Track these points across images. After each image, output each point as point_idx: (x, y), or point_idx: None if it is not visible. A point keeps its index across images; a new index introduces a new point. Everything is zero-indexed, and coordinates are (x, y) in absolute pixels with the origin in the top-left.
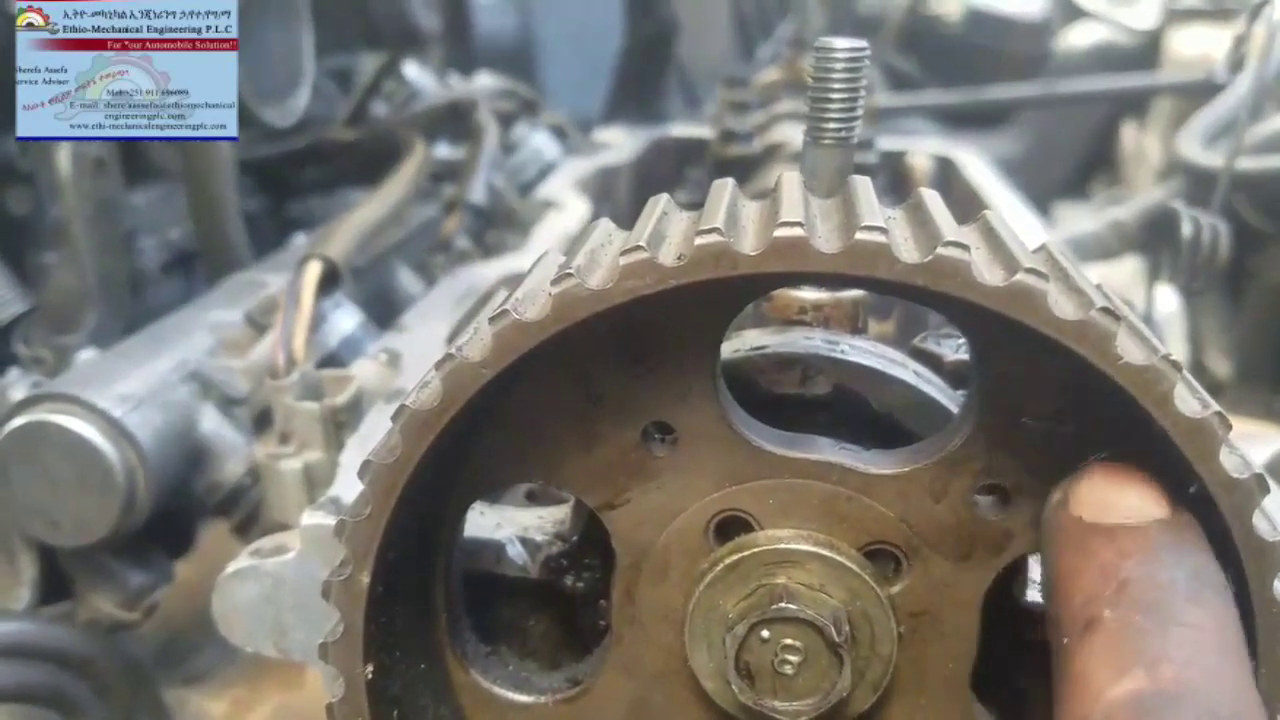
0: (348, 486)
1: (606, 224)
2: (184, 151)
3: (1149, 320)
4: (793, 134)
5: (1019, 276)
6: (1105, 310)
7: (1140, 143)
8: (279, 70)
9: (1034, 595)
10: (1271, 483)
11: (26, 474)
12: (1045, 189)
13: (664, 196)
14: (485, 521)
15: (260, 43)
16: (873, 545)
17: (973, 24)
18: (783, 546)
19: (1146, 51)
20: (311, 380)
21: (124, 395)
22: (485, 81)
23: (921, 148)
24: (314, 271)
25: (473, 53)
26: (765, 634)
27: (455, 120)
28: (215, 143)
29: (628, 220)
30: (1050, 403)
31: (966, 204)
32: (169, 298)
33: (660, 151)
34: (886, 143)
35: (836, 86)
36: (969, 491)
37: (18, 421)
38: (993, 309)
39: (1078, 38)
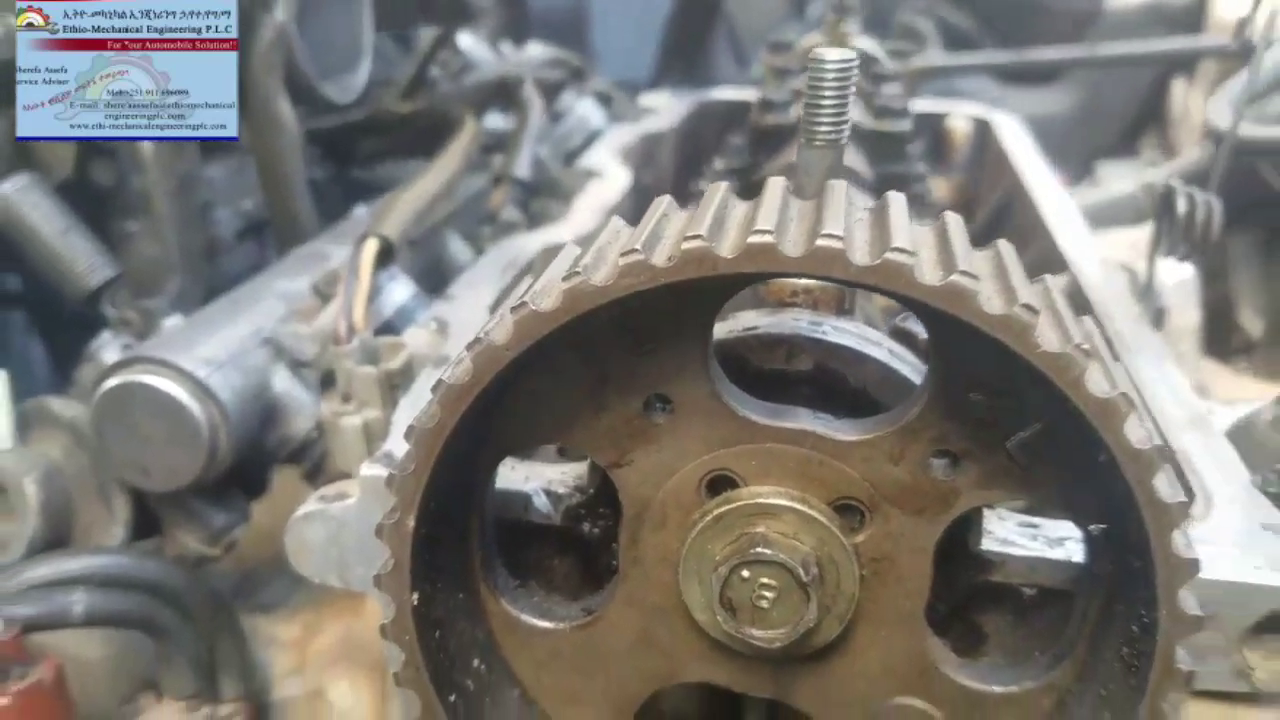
0: (399, 442)
1: (616, 222)
2: (253, 130)
3: (1150, 288)
4: None
5: (954, 277)
6: (1026, 306)
7: (1186, 103)
8: (340, 49)
9: (986, 545)
10: (1228, 448)
11: (120, 428)
12: (1096, 145)
13: (666, 198)
14: (516, 475)
15: (322, 22)
16: (840, 501)
17: None
18: (762, 501)
19: (1196, 10)
20: (370, 346)
21: (207, 359)
22: (535, 51)
23: (962, 110)
24: (371, 249)
25: (528, 18)
26: (745, 574)
27: (503, 95)
28: (283, 122)
29: (670, 185)
30: (991, 381)
31: (998, 167)
32: (243, 262)
33: (704, 116)
34: (928, 105)
35: (827, 94)
36: (924, 456)
37: (113, 382)
38: (933, 305)
39: None
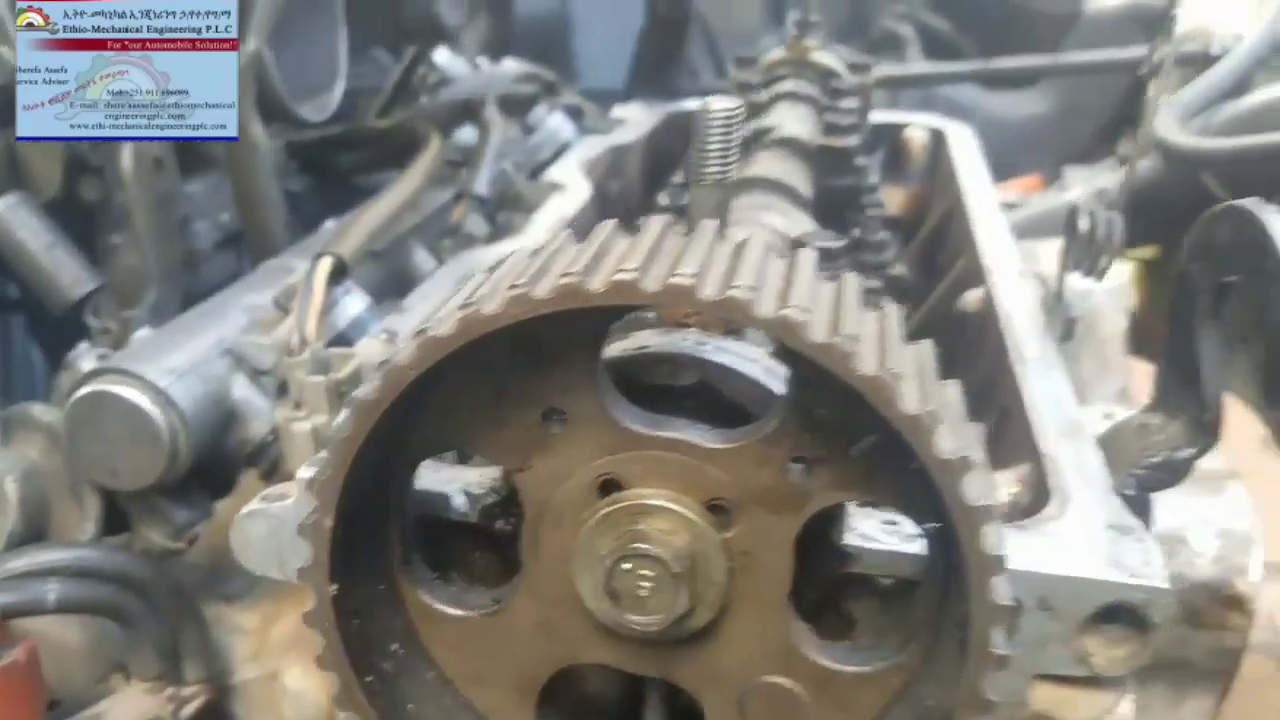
0: None
1: (521, 253)
2: (227, 149)
3: (1060, 300)
4: (780, 119)
5: (785, 310)
6: (847, 335)
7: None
8: (315, 69)
9: (848, 539)
10: (1095, 453)
11: (90, 433)
12: (1074, 147)
13: (566, 232)
14: (440, 477)
15: (299, 45)
16: (711, 501)
17: None
18: (644, 502)
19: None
20: (321, 357)
21: (169, 369)
22: (510, 66)
23: (919, 121)
24: (325, 267)
25: (513, 30)
26: (627, 566)
27: (467, 114)
28: (254, 142)
29: (636, 193)
30: (835, 398)
31: (948, 177)
32: (222, 272)
33: (674, 128)
34: (886, 116)
35: (713, 139)
36: (782, 462)
37: (84, 390)
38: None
39: None
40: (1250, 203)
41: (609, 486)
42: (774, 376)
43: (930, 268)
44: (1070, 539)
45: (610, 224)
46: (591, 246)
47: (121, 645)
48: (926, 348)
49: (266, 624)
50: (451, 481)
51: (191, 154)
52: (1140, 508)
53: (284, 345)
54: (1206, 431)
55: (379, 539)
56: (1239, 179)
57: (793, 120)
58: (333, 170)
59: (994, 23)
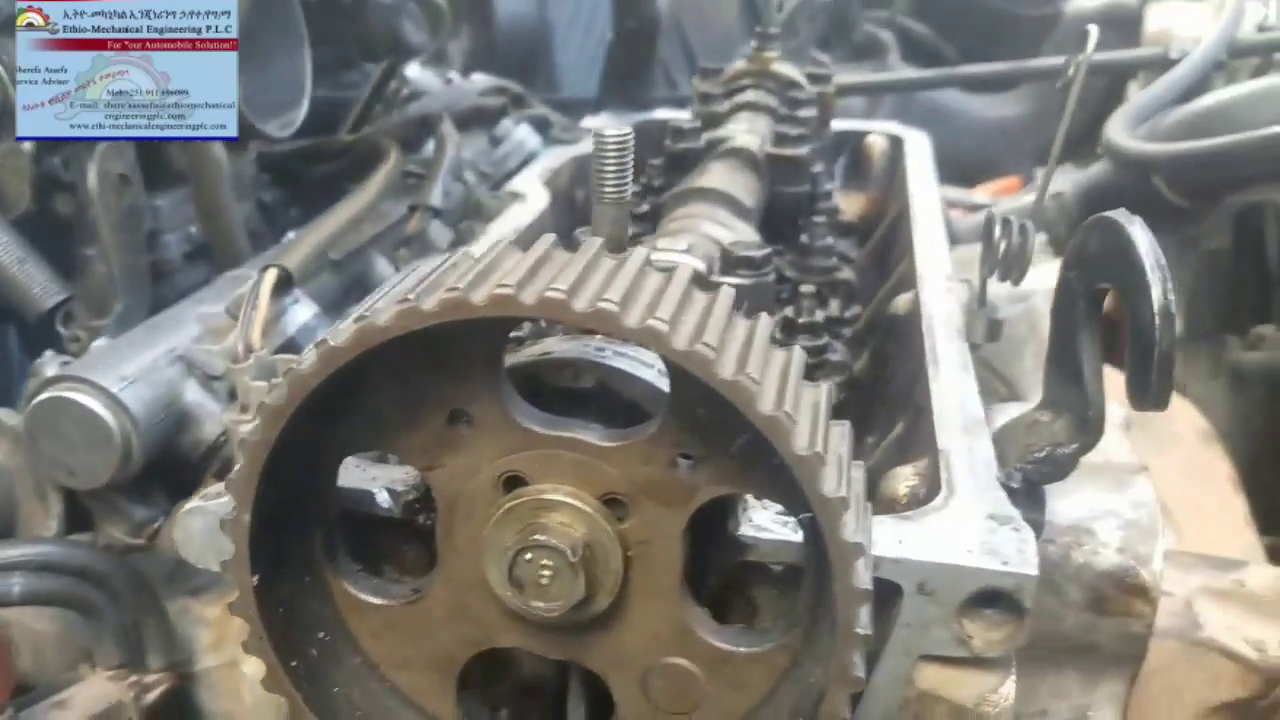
0: None
1: (422, 270)
2: (191, 165)
3: (983, 303)
4: (734, 129)
5: (649, 322)
6: (707, 344)
7: None
8: (280, 89)
9: (744, 530)
10: (988, 448)
11: (49, 435)
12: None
13: (464, 249)
14: (366, 474)
15: (264, 67)
16: (607, 495)
17: None
18: (544, 497)
19: None
20: (265, 363)
21: (122, 376)
22: (479, 79)
23: (879, 128)
24: (270, 278)
25: (495, 40)
26: (529, 556)
27: (425, 129)
28: (215, 159)
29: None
30: (711, 400)
31: (903, 183)
32: (193, 281)
33: (641, 137)
34: (850, 124)
35: (609, 162)
36: (669, 458)
37: (43, 396)
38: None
39: None
40: (1118, 214)
41: (513, 483)
42: (666, 379)
43: (883, 271)
44: (950, 528)
45: (503, 240)
46: (482, 261)
47: (87, 635)
48: (796, 354)
49: (227, 615)
50: (377, 479)
51: (159, 169)
52: (1033, 499)
53: (233, 352)
54: (1088, 429)
55: (305, 534)
56: (1185, 182)
57: (744, 131)
58: (305, 182)
59: (976, 27)
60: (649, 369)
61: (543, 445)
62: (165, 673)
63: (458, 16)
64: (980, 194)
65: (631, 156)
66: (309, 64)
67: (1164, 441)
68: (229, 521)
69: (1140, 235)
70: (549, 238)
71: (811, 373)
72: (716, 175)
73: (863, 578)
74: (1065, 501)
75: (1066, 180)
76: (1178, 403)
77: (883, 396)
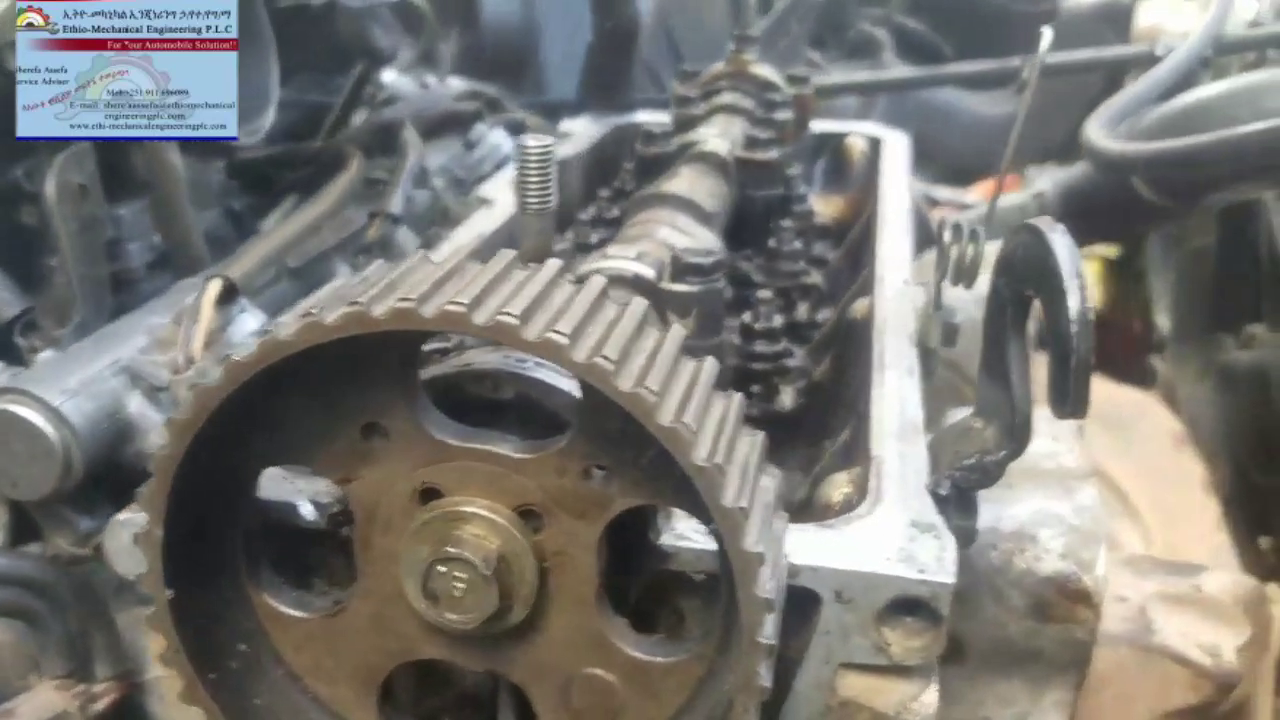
0: None
1: (339, 283)
2: (151, 175)
3: (939, 307)
4: (706, 133)
5: (548, 334)
6: (605, 357)
7: None
8: (246, 95)
9: (665, 539)
10: (921, 454)
11: None
12: (1050, 143)
13: (379, 262)
14: (291, 486)
15: None
16: (522, 507)
17: None
18: (458, 509)
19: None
20: (206, 374)
21: (64, 389)
22: (454, 84)
23: (858, 129)
24: (214, 288)
25: (482, 43)
26: (443, 569)
27: (388, 137)
28: (171, 166)
29: (577, 205)
30: (619, 412)
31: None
32: (156, 290)
33: (621, 140)
34: (831, 125)
35: (531, 174)
36: (583, 469)
37: None
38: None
39: None
40: (1041, 222)
41: (429, 495)
42: None
43: (856, 274)
44: (871, 536)
45: (420, 254)
46: (388, 276)
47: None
48: (708, 365)
49: None
50: (301, 491)
51: (122, 178)
52: (964, 506)
53: (176, 363)
54: (1015, 436)
55: (225, 547)
56: (1163, 182)
57: (715, 135)
58: (275, 188)
59: (972, 24)
60: (570, 380)
61: (457, 457)
62: (113, 682)
63: (445, 19)
64: (973, 194)
65: (555, 167)
66: (276, 70)
67: (1135, 444)
68: (142, 536)
69: (1060, 243)
70: (506, 254)
71: (769, 379)
72: (680, 180)
73: (765, 587)
74: (1013, 508)
75: (1048, 180)
76: (1150, 405)
77: (840, 401)
